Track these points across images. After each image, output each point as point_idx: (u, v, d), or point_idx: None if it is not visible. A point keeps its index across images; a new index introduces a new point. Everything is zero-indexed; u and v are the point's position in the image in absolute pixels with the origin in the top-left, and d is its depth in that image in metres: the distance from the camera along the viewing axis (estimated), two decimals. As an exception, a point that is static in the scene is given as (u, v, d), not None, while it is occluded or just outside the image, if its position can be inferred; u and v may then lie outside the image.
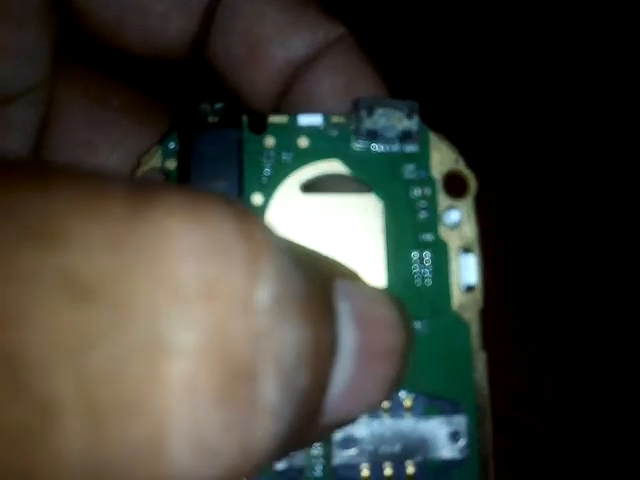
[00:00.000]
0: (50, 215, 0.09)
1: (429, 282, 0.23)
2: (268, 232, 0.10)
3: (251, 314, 0.10)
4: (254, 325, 0.10)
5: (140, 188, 0.10)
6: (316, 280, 0.12)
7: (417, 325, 0.22)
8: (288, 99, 0.23)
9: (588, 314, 0.40)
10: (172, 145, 0.22)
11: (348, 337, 0.12)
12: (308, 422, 0.12)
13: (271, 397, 0.10)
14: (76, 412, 0.08)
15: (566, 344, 0.40)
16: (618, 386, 0.39)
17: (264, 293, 0.10)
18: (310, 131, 0.23)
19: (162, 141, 0.22)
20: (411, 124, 0.22)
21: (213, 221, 0.10)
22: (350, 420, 0.15)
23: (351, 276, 0.14)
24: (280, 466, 0.21)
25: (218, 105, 0.22)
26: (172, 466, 0.09)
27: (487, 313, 0.23)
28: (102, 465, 0.09)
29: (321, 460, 0.21)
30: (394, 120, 0.22)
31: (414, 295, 0.22)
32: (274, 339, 0.10)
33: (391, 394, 0.15)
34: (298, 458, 0.21)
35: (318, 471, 0.21)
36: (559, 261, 0.41)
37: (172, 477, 0.09)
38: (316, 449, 0.21)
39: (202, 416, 0.09)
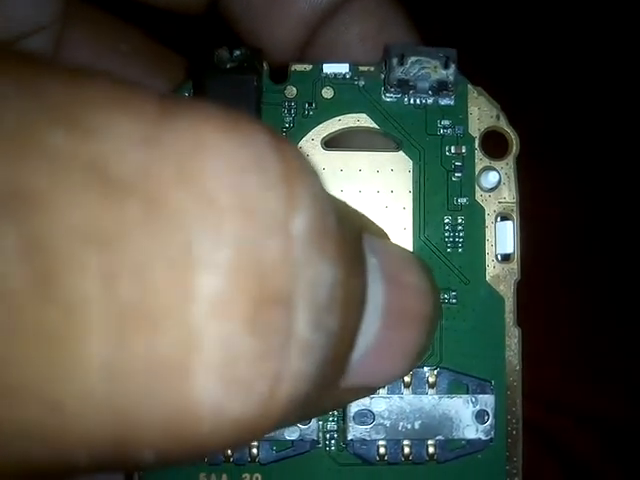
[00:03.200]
0: (82, 103, 0.08)
1: (461, 249, 0.21)
2: (303, 159, 0.10)
3: (289, 238, 0.09)
4: (291, 250, 0.09)
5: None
6: (348, 228, 0.11)
7: (446, 295, 0.20)
8: (312, 50, 0.21)
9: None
10: (187, 94, 0.21)
11: (376, 293, 0.12)
12: (332, 377, 0.11)
13: (303, 331, 0.09)
14: (102, 314, 0.08)
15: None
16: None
17: (302, 220, 0.09)
18: (335, 81, 0.21)
19: (176, 90, 0.21)
20: (447, 74, 0.20)
21: (249, 137, 0.09)
22: (370, 388, 0.14)
23: (380, 234, 0.13)
24: (292, 436, 0.19)
25: (237, 52, 0.20)
26: (197, 393, 0.08)
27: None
28: (125, 375, 0.08)
29: (335, 434, 0.20)
30: (428, 69, 0.20)
31: (444, 263, 0.21)
32: (309, 270, 0.09)
33: (414, 364, 0.14)
34: (311, 430, 0.20)
35: (332, 445, 0.20)
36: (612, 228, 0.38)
37: (197, 406, 0.08)
38: (330, 422, 0.20)
39: (231, 339, 0.08)
